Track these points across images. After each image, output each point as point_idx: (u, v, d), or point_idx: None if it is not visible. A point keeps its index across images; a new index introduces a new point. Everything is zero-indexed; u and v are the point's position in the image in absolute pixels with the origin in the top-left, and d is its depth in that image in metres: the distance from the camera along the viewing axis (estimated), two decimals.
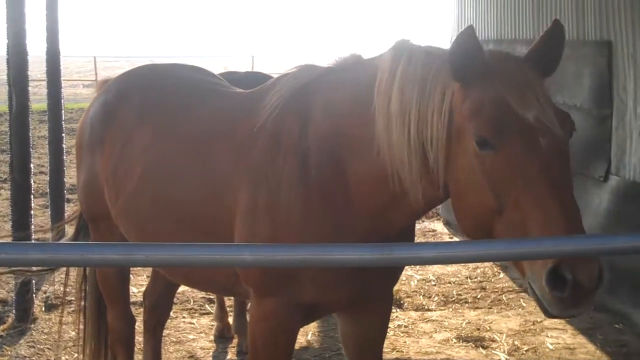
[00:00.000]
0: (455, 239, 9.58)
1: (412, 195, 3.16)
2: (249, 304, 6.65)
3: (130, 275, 7.64)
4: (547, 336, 6.61)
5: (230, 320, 6.55)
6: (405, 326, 6.83)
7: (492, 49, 3.13)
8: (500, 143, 2.78)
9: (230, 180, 3.55)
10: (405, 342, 6.50)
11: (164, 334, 5.64)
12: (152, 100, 4.17)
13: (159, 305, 5.35)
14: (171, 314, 6.78)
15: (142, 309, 5.63)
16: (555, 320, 6.93)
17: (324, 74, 3.56)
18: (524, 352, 6.28)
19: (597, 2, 7.81)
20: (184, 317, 6.99)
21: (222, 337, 6.55)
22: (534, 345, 6.40)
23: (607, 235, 2.75)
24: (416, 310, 7.29)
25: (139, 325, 5.20)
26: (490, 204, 2.80)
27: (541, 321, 6.93)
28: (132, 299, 6.76)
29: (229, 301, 6.69)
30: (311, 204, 3.35)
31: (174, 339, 6.48)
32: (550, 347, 6.37)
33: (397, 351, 6.28)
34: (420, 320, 7.03)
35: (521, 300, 7.54)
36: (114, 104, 4.33)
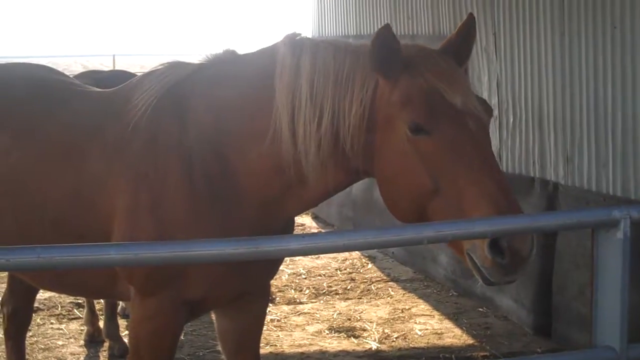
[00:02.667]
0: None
1: (312, 182, 3.23)
2: (119, 307, 6.61)
3: None
4: (416, 323, 6.79)
5: (101, 324, 6.42)
6: (277, 320, 6.87)
7: (409, 43, 3.24)
8: (433, 127, 2.95)
9: (104, 182, 3.45)
10: (278, 335, 6.54)
11: (31, 341, 5.48)
12: (8, 103, 3.94)
13: (19, 311, 5.14)
14: (38, 320, 6.62)
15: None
16: (423, 307, 7.16)
17: (198, 71, 3.52)
18: (394, 339, 6.44)
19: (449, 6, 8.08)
20: (52, 323, 6.81)
21: (93, 341, 6.41)
22: (403, 332, 6.56)
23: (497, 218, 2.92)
24: (288, 304, 7.36)
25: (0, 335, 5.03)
26: (426, 185, 2.96)
27: (409, 309, 7.13)
28: None
29: (98, 305, 6.56)
30: (198, 201, 3.33)
31: (42, 346, 6.30)
32: (419, 333, 6.55)
33: (271, 345, 6.31)
34: (292, 313, 7.09)
35: (389, 289, 7.73)
36: None
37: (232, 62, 3.50)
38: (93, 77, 6.17)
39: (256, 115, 3.28)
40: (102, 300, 6.37)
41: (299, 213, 3.55)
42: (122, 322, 6.54)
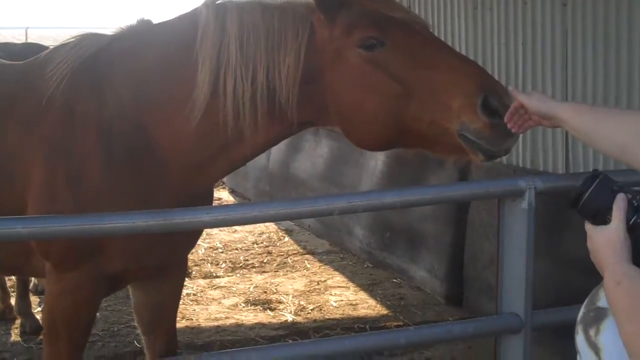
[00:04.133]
0: None
1: (247, 139, 3.23)
2: (31, 284, 6.50)
3: None
4: (331, 294, 6.85)
5: (12, 301, 6.31)
6: (194, 294, 6.85)
7: None
8: (385, 37, 3.04)
9: (19, 156, 3.35)
10: (194, 310, 6.52)
11: None
12: None
13: None
14: None
15: None
16: (338, 279, 7.23)
17: (114, 41, 3.45)
18: (310, 311, 6.49)
19: None
20: None
21: (4, 318, 6.29)
22: (319, 304, 6.62)
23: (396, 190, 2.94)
24: (204, 278, 7.34)
25: None
26: (397, 92, 3.01)
27: (325, 280, 7.19)
28: None
29: (9, 281, 6.43)
30: (118, 173, 3.27)
31: None
32: (334, 304, 6.61)
33: (187, 319, 6.30)
34: (208, 287, 7.08)
35: (306, 262, 7.78)
36: None
37: (149, 31, 3.46)
38: (5, 49, 6.01)
39: (178, 81, 3.25)
40: (13, 277, 6.24)
41: (230, 172, 3.55)
42: (33, 299, 6.43)
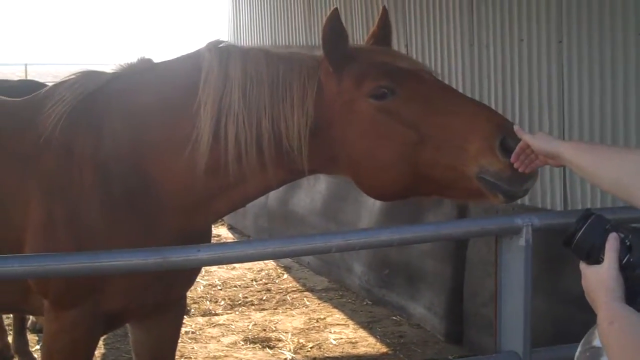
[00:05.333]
0: None
1: (251, 182, 3.25)
2: (29, 322, 6.47)
3: None
4: (331, 332, 6.82)
5: (10, 339, 6.28)
6: (192, 332, 6.82)
7: None
8: (396, 86, 3.06)
9: (15, 195, 3.34)
10: (193, 348, 6.49)
11: None
12: None
13: None
14: None
15: None
16: (338, 316, 7.20)
17: (113, 80, 3.45)
18: (309, 349, 6.45)
19: (363, 11, 8.19)
20: None
21: (2, 357, 6.26)
22: (318, 342, 6.59)
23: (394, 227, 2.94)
24: (203, 315, 7.31)
25: None
26: (411, 139, 3.02)
27: (324, 318, 7.16)
28: None
29: (7, 319, 6.40)
30: (116, 212, 3.26)
31: None
32: (334, 342, 6.58)
33: (186, 357, 6.26)
34: (207, 325, 7.05)
35: (305, 299, 7.75)
36: None
37: (149, 70, 3.46)
38: (1, 86, 6.03)
39: (178, 122, 3.25)
40: (10, 315, 6.21)
41: (230, 212, 3.56)
42: (31, 337, 6.40)
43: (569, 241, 2.02)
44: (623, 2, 5.11)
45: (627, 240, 1.91)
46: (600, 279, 1.90)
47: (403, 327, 6.88)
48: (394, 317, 7.08)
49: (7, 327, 6.37)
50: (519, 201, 5.94)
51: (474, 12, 6.52)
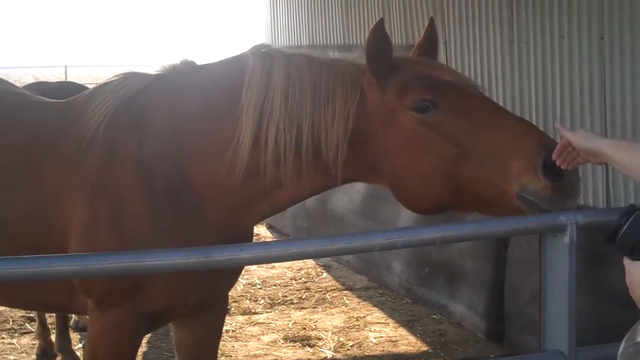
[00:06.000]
0: None
1: (288, 187, 3.26)
2: (71, 320, 6.54)
3: None
4: (371, 331, 6.81)
5: (53, 338, 6.35)
6: (232, 331, 6.85)
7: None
8: (439, 99, 3.05)
9: (60, 196, 3.38)
10: (233, 346, 6.52)
11: None
12: None
13: None
14: None
15: None
16: (378, 314, 7.18)
17: (156, 82, 3.48)
18: (349, 347, 6.45)
19: (401, 8, 8.16)
20: (3, 338, 6.70)
21: (45, 355, 6.33)
22: (358, 341, 6.58)
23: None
24: (243, 314, 7.33)
25: None
26: (453, 154, 3.01)
27: (364, 317, 7.15)
28: None
29: (50, 318, 6.48)
30: (158, 213, 3.29)
31: None
32: (374, 341, 6.57)
33: (226, 356, 6.29)
34: (247, 324, 7.07)
35: (344, 298, 7.75)
36: None
37: (192, 72, 3.48)
38: (40, 88, 6.09)
39: (220, 125, 3.27)
40: (53, 314, 6.29)
41: (271, 215, 3.57)
42: (74, 336, 6.46)
43: (613, 237, 2.00)
44: None
45: None
46: None
47: (443, 325, 6.85)
48: (434, 316, 7.05)
49: (50, 326, 6.44)
50: None
51: (513, 9, 6.46)
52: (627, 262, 1.97)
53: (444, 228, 3.23)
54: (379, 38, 3.10)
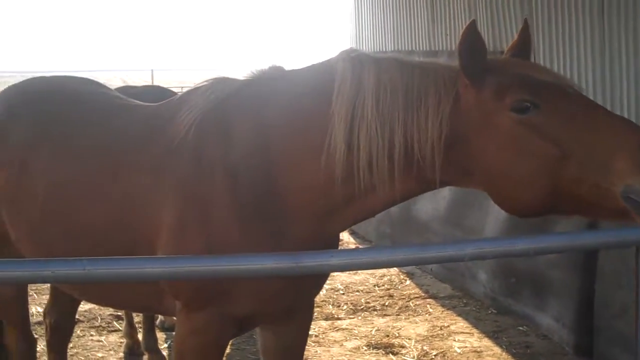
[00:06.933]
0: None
1: (380, 192, 3.22)
2: (158, 320, 6.65)
3: (34, 294, 7.50)
4: (455, 340, 6.74)
5: (140, 337, 6.47)
6: (316, 335, 6.86)
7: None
8: (539, 100, 2.99)
9: (149, 197, 3.44)
10: (316, 351, 6.53)
11: (71, 353, 5.52)
12: (48, 117, 3.96)
13: (62, 323, 5.18)
14: (78, 332, 6.68)
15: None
16: (462, 324, 7.10)
17: (244, 87, 3.50)
18: (433, 356, 6.39)
19: (488, 14, 8.07)
20: (91, 335, 6.87)
21: (132, 354, 6.46)
22: (442, 350, 6.52)
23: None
24: (326, 319, 7.34)
25: (42, 347, 5.07)
26: (554, 155, 2.95)
27: (448, 326, 7.08)
28: (36, 319, 6.63)
29: (137, 317, 6.60)
30: (245, 219, 3.30)
31: (83, 358, 6.35)
32: (458, 350, 6.50)
33: None
34: (330, 329, 7.08)
35: (428, 306, 7.69)
36: (4, 121, 4.06)
37: (280, 78, 3.48)
38: (127, 92, 6.21)
39: (310, 130, 3.26)
40: (141, 314, 6.40)
41: (358, 222, 3.55)
42: (160, 335, 6.57)
43: None
44: None
45: None
46: None
47: (530, 337, 6.73)
48: (520, 327, 6.93)
49: (137, 325, 6.56)
50: None
51: (604, 19, 6.32)
52: None
53: (537, 239, 3.15)
54: (471, 39, 3.06)
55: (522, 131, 3.00)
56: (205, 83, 3.63)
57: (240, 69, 3.65)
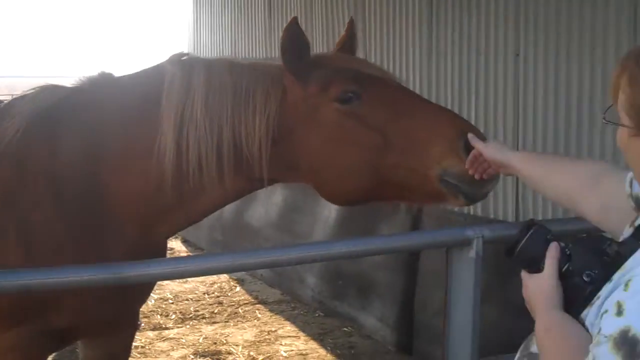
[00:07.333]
0: None
1: (210, 192, 3.19)
2: None
3: None
4: (281, 344, 6.77)
5: None
6: (142, 347, 6.72)
7: None
8: (362, 90, 3.06)
9: None
10: None
11: None
12: None
13: None
14: None
15: None
16: (289, 328, 7.16)
17: (72, 95, 3.38)
18: None
19: (324, 23, 8.21)
20: None
21: None
22: (269, 355, 6.54)
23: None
24: (153, 329, 7.21)
25: None
26: (376, 143, 3.01)
27: (276, 330, 7.12)
28: None
29: None
30: (70, 228, 3.17)
31: None
32: (284, 354, 6.54)
33: None
34: (157, 339, 6.95)
35: (257, 312, 7.70)
36: None
37: (110, 84, 3.40)
38: None
39: (139, 135, 3.19)
40: None
41: (188, 226, 3.49)
42: None
43: (511, 251, 2.04)
44: (579, 17, 5.17)
45: (567, 250, 1.94)
46: (539, 288, 1.93)
47: (354, 338, 6.86)
48: (345, 329, 7.05)
49: None
50: (472, 212, 6.03)
51: (433, 23, 6.56)
52: (524, 275, 2.01)
53: (354, 242, 3.23)
54: (293, 35, 3.10)
55: (346, 121, 3.07)
56: (32, 90, 3.50)
57: (73, 76, 3.54)
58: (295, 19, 3.12)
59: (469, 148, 2.86)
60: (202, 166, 3.14)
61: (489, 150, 2.73)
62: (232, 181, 3.21)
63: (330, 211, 7.65)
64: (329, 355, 6.51)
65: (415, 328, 6.28)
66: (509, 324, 5.27)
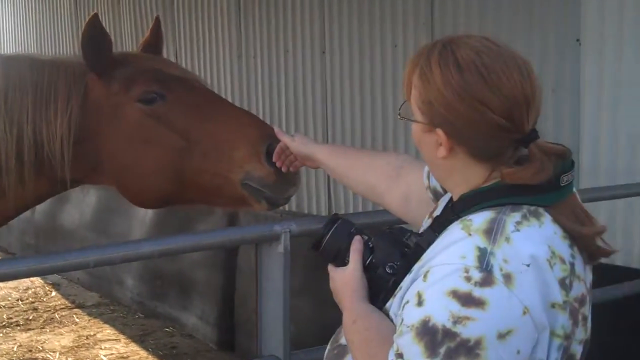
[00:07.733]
0: None
1: (11, 196, 3.04)
2: None
3: None
4: (101, 348, 6.64)
5: None
6: None
7: None
8: (166, 91, 3.00)
9: None
10: None
11: None
12: None
13: None
14: None
15: None
16: (109, 331, 7.03)
17: None
18: None
19: (132, 18, 8.08)
20: None
21: None
22: (88, 359, 6.39)
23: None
24: None
25: None
26: (178, 145, 2.97)
27: (95, 334, 6.97)
28: None
29: None
30: None
31: None
32: (105, 358, 6.41)
33: None
34: None
35: (75, 316, 7.51)
36: None
37: None
38: None
39: None
40: None
41: None
42: None
43: (318, 245, 2.07)
44: (380, 16, 5.35)
45: (370, 243, 1.98)
46: (345, 280, 1.95)
47: (175, 338, 6.82)
48: (167, 329, 7.00)
49: None
50: (286, 207, 6.12)
51: (241, 25, 6.61)
52: (330, 268, 2.03)
53: (163, 241, 3.18)
54: (93, 32, 3.03)
55: (148, 122, 3.04)
56: None
57: None
58: (95, 15, 3.06)
59: (271, 152, 2.91)
60: (2, 169, 3.04)
61: (295, 144, 2.77)
62: (34, 184, 3.11)
63: (146, 211, 7.55)
64: (150, 356, 6.44)
65: (236, 325, 6.32)
66: (325, 317, 5.40)
